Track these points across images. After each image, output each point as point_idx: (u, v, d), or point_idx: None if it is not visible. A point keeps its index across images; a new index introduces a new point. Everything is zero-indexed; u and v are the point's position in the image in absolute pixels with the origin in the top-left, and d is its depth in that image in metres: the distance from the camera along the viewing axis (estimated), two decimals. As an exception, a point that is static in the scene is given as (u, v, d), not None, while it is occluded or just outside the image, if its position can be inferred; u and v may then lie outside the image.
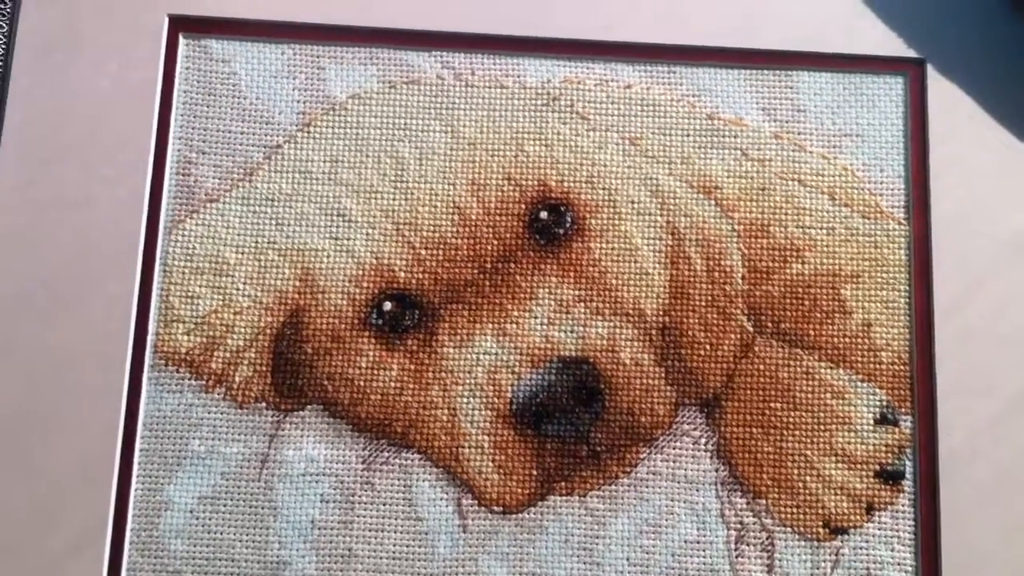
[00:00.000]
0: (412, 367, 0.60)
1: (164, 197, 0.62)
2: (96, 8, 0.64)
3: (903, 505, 0.58)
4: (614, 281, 0.61)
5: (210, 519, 0.58)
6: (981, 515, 0.58)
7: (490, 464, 0.58)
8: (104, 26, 0.64)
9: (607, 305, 0.60)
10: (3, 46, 0.63)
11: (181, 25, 0.64)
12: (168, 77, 0.64)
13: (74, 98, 0.63)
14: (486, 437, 0.59)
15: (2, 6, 0.64)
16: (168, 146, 0.63)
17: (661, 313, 0.60)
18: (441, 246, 0.61)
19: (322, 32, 0.65)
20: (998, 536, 0.57)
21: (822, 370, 0.60)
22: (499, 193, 0.62)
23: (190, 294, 0.61)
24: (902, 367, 0.60)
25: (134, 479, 0.59)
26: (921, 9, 0.65)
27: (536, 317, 0.60)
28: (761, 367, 0.60)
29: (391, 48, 0.64)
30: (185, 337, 0.60)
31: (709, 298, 0.61)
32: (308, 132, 0.63)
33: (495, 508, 0.59)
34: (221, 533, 0.58)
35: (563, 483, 0.59)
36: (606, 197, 0.62)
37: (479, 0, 0.65)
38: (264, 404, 0.60)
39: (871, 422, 0.59)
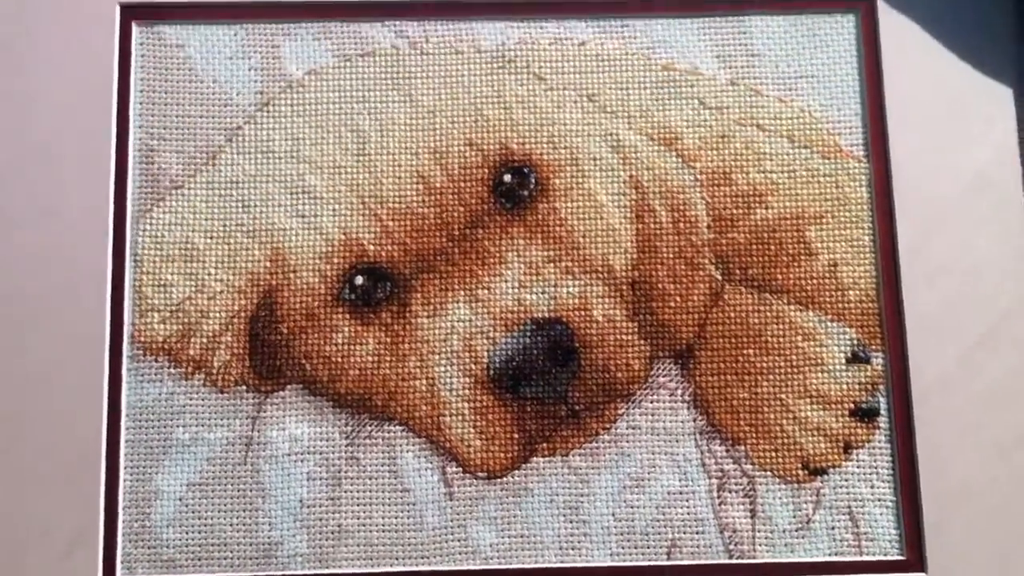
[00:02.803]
0: (388, 339, 0.57)
1: (129, 188, 0.59)
2: (46, 3, 0.60)
3: (880, 441, 0.56)
4: (582, 239, 0.58)
5: (200, 505, 0.56)
6: (957, 446, 0.55)
7: (472, 430, 0.56)
8: (56, 21, 0.60)
9: (576, 264, 0.57)
10: (-46, 47, 0.60)
11: (132, 13, 0.61)
12: (124, 66, 0.61)
13: (33, 99, 0.59)
14: (466, 404, 0.56)
15: (-50, 7, 0.60)
16: (129, 136, 0.60)
17: (630, 268, 0.58)
18: (408, 216, 0.58)
19: (274, 9, 0.61)
20: (975, 466, 0.55)
21: (792, 313, 0.57)
22: (462, 159, 0.59)
23: (163, 282, 0.58)
24: (870, 305, 0.58)
25: (122, 471, 0.56)
26: (869, -57, 0.61)
27: (507, 281, 0.57)
28: (732, 314, 0.57)
29: (344, 21, 0.61)
30: (161, 326, 0.58)
31: (676, 249, 0.58)
32: (267, 111, 0.60)
33: (480, 474, 0.56)
34: (212, 519, 0.56)
35: (545, 444, 0.56)
36: (568, 156, 0.59)
37: (428, -34, 0.61)
38: (244, 387, 0.57)
39: (843, 361, 0.57)
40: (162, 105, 0.60)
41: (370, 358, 0.57)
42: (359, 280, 0.58)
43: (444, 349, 0.57)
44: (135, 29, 0.61)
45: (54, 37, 0.60)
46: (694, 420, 0.57)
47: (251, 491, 0.56)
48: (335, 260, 0.58)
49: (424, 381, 0.57)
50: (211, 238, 0.58)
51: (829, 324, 0.57)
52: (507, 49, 0.61)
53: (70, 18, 0.60)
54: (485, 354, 0.56)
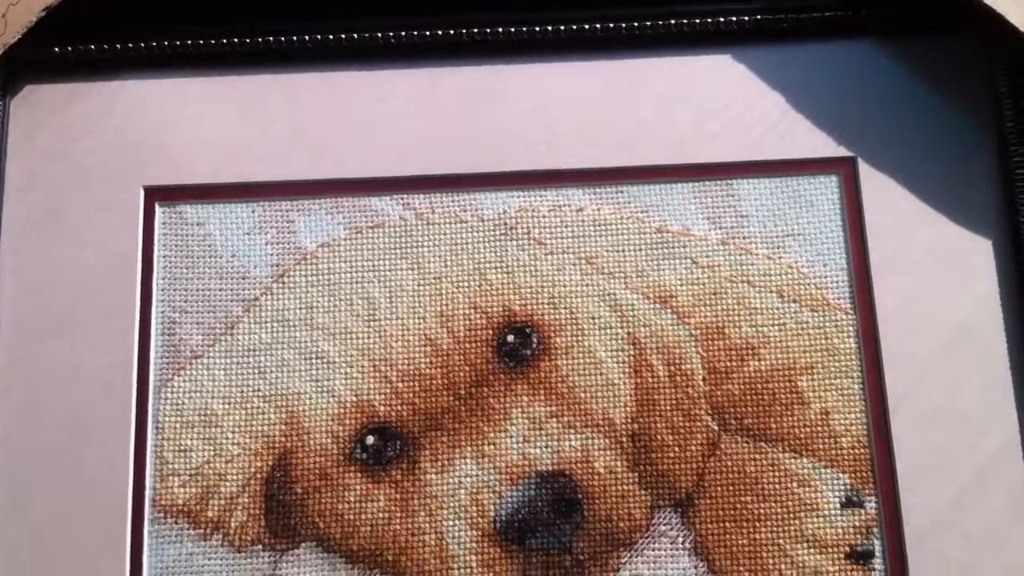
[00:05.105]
0: (398, 496, 0.66)
1: (152, 358, 0.69)
2: (75, 187, 0.72)
3: (876, 583, 0.65)
4: (583, 395, 0.67)
5: (218, 662, 0.65)
6: (951, 585, 0.64)
7: (480, 582, 0.65)
8: (83, 203, 0.71)
9: (578, 418, 0.67)
10: (-9, 231, 0.71)
11: (156, 194, 0.72)
12: (147, 243, 0.71)
13: (60, 273, 0.70)
14: (474, 557, 0.65)
15: (-13, 194, 0.72)
16: (152, 309, 0.70)
17: (630, 421, 0.67)
18: (416, 378, 0.68)
19: (288, 187, 0.72)
20: (970, 604, 0.63)
21: (787, 460, 0.66)
22: (467, 322, 0.69)
23: (183, 447, 0.68)
24: (862, 451, 0.66)
25: (143, 630, 0.65)
26: (849, 109, 0.72)
27: (512, 436, 0.66)
28: (729, 463, 0.66)
29: (354, 196, 0.72)
30: (181, 489, 0.67)
31: (674, 402, 0.67)
32: (283, 283, 0.71)
33: (488, 625, 0.65)
34: (229, 674, 0.65)
35: (551, 594, 0.65)
36: (568, 316, 0.69)
37: (434, 143, 0.73)
38: (260, 546, 0.66)
39: (837, 506, 0.65)
40: (183, 280, 0.71)
41: (381, 515, 0.66)
42: (370, 440, 0.67)
43: (452, 504, 0.66)
44: (158, 209, 0.72)
45: (83, 218, 0.71)
46: (695, 567, 0.65)
47: (267, 647, 0.65)
48: (347, 422, 0.68)
49: (433, 536, 0.66)
50: (229, 404, 0.69)
51: (823, 470, 0.66)
52: (508, 217, 0.72)
53: (97, 201, 0.71)
54: (491, 508, 0.65)
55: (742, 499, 0.66)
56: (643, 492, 0.66)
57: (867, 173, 0.71)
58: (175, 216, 0.72)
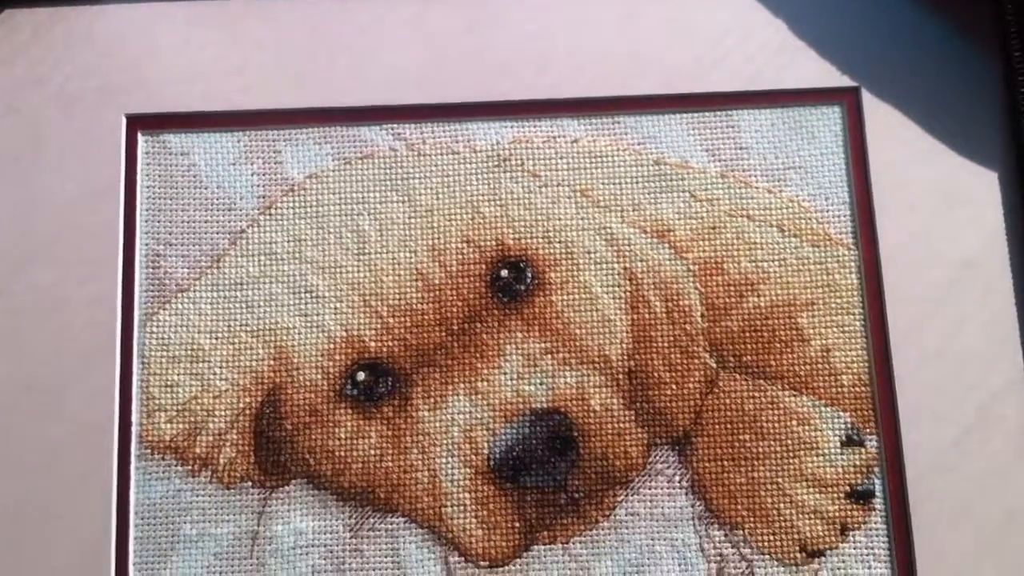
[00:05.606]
0: (390, 433, 0.66)
1: (136, 291, 0.68)
2: (55, 115, 0.70)
3: (876, 523, 0.64)
4: (578, 331, 0.67)
5: (207, 600, 0.64)
6: (952, 526, 0.63)
7: (473, 520, 0.64)
8: (64, 131, 0.70)
9: (573, 355, 0.66)
10: (-32, 160, 0.70)
11: (139, 123, 0.71)
12: (130, 174, 0.70)
13: (41, 204, 0.69)
14: (467, 494, 0.64)
15: (-36, 121, 0.70)
16: (136, 241, 0.69)
17: (626, 358, 0.66)
18: (408, 313, 0.67)
19: (275, 116, 0.71)
20: (971, 546, 0.63)
21: (786, 398, 0.66)
22: (459, 256, 0.68)
23: (169, 383, 0.67)
24: (863, 389, 0.66)
25: (131, 568, 0.64)
26: (853, 37, 0.71)
27: (506, 373, 0.66)
28: (727, 401, 0.66)
29: (343, 125, 0.71)
30: (168, 425, 0.66)
31: (671, 339, 0.67)
32: (270, 215, 0.70)
33: (481, 563, 0.64)
34: (219, 612, 0.64)
35: (545, 532, 0.64)
36: (563, 250, 0.68)
37: (425, 71, 0.71)
38: (249, 483, 0.66)
39: (838, 445, 0.65)
40: (167, 211, 0.70)
41: (373, 452, 0.66)
42: (361, 376, 0.66)
43: (445, 441, 0.65)
44: (141, 139, 0.71)
45: (64, 147, 0.70)
46: (692, 506, 0.65)
47: (257, 585, 0.65)
48: (337, 357, 0.67)
49: (426, 473, 0.65)
50: (216, 339, 0.68)
51: (823, 408, 0.66)
52: (502, 148, 0.70)
53: (79, 130, 0.70)
54: (485, 445, 0.65)
55: (740, 437, 0.65)
56: (639, 430, 0.65)
57: (871, 104, 0.70)
58: (158, 145, 0.71)
